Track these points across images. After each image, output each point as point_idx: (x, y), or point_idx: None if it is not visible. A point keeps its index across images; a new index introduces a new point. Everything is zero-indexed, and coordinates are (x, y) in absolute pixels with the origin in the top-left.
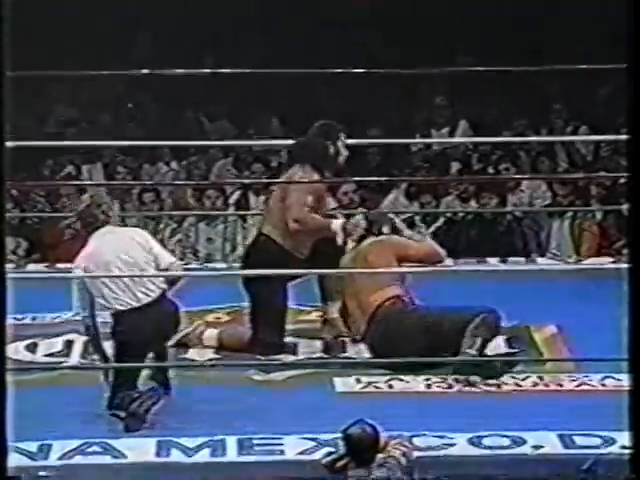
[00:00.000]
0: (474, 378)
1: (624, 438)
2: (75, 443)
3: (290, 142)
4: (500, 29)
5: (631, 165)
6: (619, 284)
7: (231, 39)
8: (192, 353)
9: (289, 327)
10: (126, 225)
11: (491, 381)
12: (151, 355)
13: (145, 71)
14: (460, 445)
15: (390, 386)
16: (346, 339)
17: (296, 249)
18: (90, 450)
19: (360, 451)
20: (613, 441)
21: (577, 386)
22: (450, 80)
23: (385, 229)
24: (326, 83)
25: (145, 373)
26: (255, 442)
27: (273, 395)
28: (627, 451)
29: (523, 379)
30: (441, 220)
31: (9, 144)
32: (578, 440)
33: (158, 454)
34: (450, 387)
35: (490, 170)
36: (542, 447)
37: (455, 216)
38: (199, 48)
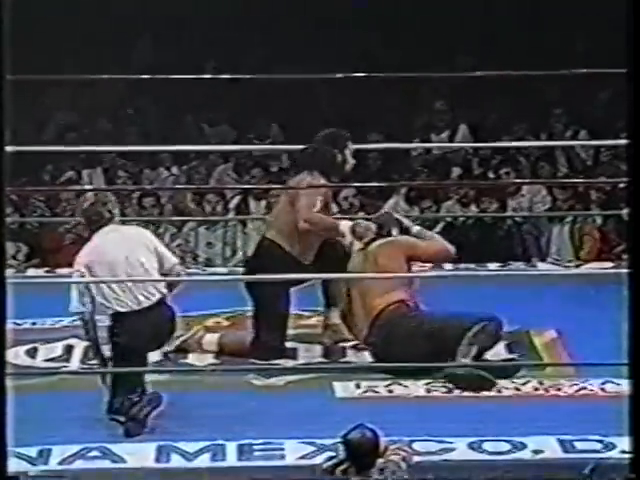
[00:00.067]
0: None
1: (624, 443)
2: (75, 448)
3: (292, 147)
4: (500, 29)
5: (631, 170)
6: (619, 289)
7: (231, 41)
8: (192, 358)
9: (289, 332)
10: None
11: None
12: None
13: (145, 76)
14: (460, 450)
15: (390, 391)
16: (346, 344)
17: (300, 254)
18: (90, 455)
19: (360, 456)
20: (613, 446)
21: (577, 391)
22: (450, 84)
23: (394, 231)
24: (325, 87)
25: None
26: (255, 447)
27: (273, 400)
28: (627, 456)
29: (523, 384)
30: (441, 225)
31: (9, 149)
32: (578, 445)
33: (158, 459)
34: (450, 392)
35: (490, 175)
36: (542, 452)
37: (455, 221)
38: (199, 51)
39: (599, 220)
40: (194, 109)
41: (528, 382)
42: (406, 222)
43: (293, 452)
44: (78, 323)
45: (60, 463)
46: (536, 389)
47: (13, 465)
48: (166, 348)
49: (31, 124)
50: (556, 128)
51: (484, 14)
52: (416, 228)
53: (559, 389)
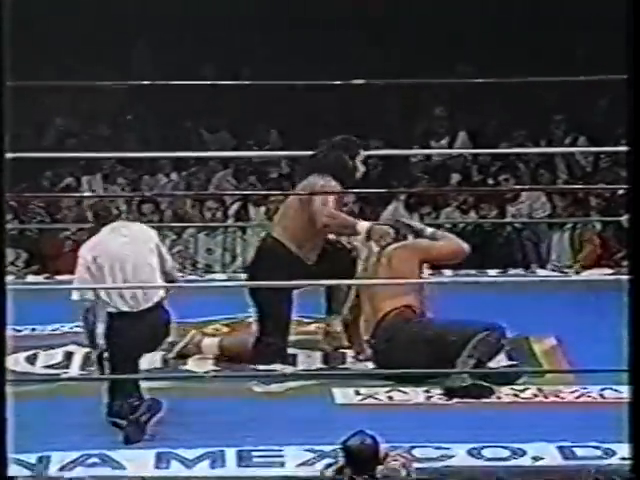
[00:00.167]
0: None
1: (624, 450)
2: (74, 455)
3: (292, 154)
4: (500, 38)
5: (631, 176)
6: (619, 295)
7: (230, 44)
8: (192, 364)
9: (290, 338)
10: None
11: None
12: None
13: (145, 82)
14: (460, 456)
15: (390, 397)
16: (347, 351)
17: (304, 254)
18: (89, 462)
19: (360, 462)
20: (613, 453)
21: (577, 398)
22: (450, 91)
23: (410, 236)
24: (325, 93)
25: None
26: (255, 453)
27: (273, 406)
28: (627, 462)
29: (522, 390)
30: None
31: (8, 155)
32: (578, 451)
33: (157, 466)
34: (450, 398)
35: (490, 181)
36: (542, 458)
37: (455, 227)
38: (198, 56)
39: (599, 226)
40: (193, 115)
41: (528, 389)
42: (417, 225)
43: (293, 459)
44: (78, 330)
45: (60, 470)
46: (536, 396)
47: (13, 472)
48: (168, 355)
49: (30, 130)
50: (556, 135)
51: (484, 22)
52: (429, 230)
53: (559, 396)
